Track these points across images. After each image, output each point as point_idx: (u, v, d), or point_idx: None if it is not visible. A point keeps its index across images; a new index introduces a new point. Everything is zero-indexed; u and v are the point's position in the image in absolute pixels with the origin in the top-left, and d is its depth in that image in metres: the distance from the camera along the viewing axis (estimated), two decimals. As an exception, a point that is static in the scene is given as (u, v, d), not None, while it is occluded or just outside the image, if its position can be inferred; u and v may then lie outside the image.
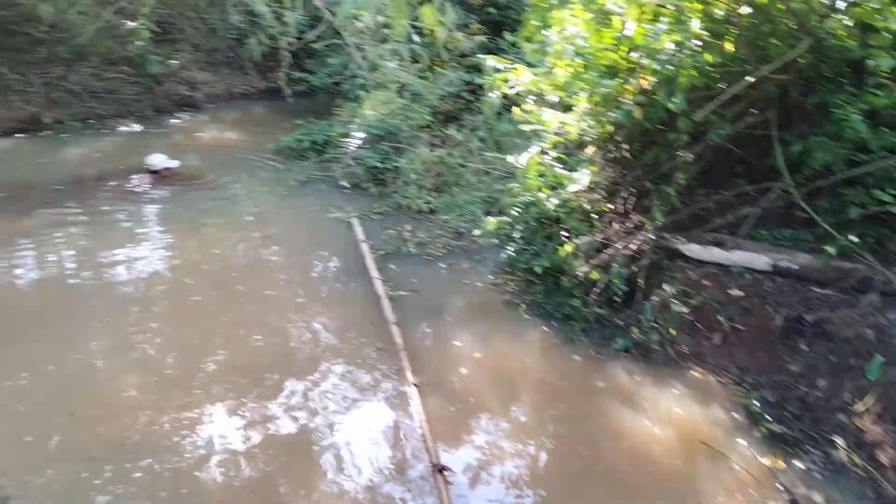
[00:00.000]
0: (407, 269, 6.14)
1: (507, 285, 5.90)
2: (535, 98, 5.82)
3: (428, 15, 4.89)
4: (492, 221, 5.60)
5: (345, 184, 8.18)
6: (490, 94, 6.15)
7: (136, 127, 10.11)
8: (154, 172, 7.64)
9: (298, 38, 7.91)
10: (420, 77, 7.76)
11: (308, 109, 10.61)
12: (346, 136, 8.73)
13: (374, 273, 5.82)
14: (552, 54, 5.10)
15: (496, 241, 6.25)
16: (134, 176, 7.85)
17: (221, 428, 3.90)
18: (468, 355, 4.85)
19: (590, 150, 5.35)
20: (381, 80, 8.30)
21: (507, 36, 8.48)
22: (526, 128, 5.48)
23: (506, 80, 5.63)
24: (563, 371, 4.75)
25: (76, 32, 9.44)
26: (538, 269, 5.55)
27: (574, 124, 5.23)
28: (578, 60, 5.02)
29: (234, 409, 4.10)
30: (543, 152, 5.31)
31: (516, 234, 5.98)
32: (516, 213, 5.50)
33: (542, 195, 5.49)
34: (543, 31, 5.47)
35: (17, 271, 5.68)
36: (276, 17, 7.35)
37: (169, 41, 11.17)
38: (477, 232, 6.20)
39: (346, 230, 6.91)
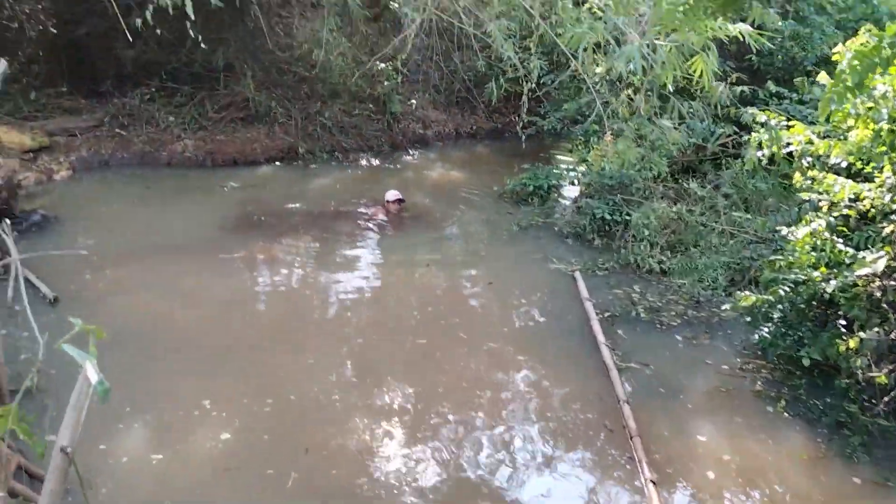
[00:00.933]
0: (637, 337, 5.58)
1: (760, 373, 5.07)
2: (811, 160, 5.00)
3: (700, 66, 4.38)
4: (748, 298, 4.84)
5: (567, 233, 7.85)
6: (754, 150, 5.43)
7: (374, 161, 10.79)
8: (388, 206, 7.97)
9: (538, 83, 7.80)
10: (666, 127, 7.18)
11: (533, 152, 10.55)
12: (573, 183, 8.42)
13: (601, 338, 5.35)
14: (854, 116, 4.28)
15: (746, 318, 5.43)
16: (369, 209, 8.26)
17: (443, 490, 3.71)
18: (714, 454, 4.16)
19: (888, 229, 4.39)
20: (618, 127, 7.86)
21: (771, 86, 7.65)
22: (807, 195, 4.68)
23: (778, 138, 4.88)
24: (837, 494, 3.86)
25: (335, 72, 10.36)
26: (805, 361, 4.68)
27: (876, 197, 4.33)
28: (886, 125, 4.15)
29: (454, 469, 3.90)
30: (829, 227, 4.46)
31: (775, 315, 5.14)
32: (781, 292, 4.69)
33: (816, 274, 4.62)
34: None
35: (258, 294, 6.16)
36: (521, 63, 7.29)
37: (411, 81, 11.85)
38: (725, 306, 5.44)
39: (568, 284, 6.55)
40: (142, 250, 6.62)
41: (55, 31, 10.19)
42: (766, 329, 5.26)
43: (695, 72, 4.63)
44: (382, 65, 10.28)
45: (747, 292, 5.14)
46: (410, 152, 11.55)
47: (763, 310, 5.09)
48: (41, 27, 10.25)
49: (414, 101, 11.95)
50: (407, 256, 7.12)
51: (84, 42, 9.81)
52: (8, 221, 6.48)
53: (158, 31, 7.25)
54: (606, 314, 5.88)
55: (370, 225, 7.94)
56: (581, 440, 4.22)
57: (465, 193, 9.44)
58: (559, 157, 11.63)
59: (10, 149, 8.33)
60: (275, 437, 4.01)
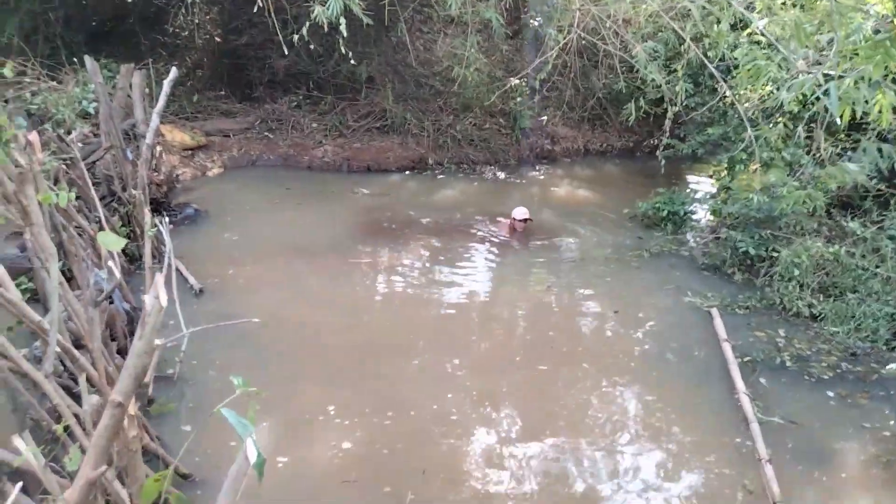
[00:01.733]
0: (781, 387, 5.09)
1: (928, 444, 4.44)
2: None
3: (885, 104, 3.91)
4: (923, 360, 4.26)
5: (704, 264, 7.36)
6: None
7: (500, 175, 10.76)
8: (514, 223, 7.87)
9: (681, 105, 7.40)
10: (827, 159, 6.56)
11: (668, 174, 10.03)
12: (716, 213, 7.89)
13: (740, 385, 4.92)
14: None
15: (915, 381, 4.79)
16: (495, 224, 8.21)
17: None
18: (871, 536, 3.68)
19: None
20: (767, 157, 7.28)
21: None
22: None
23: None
24: None
25: (470, 87, 10.47)
26: None
27: None
28: None
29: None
30: None
31: (953, 382, 4.49)
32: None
33: None
34: None
35: (382, 301, 6.27)
36: (666, 84, 6.95)
37: (543, 97, 11.72)
38: (891, 366, 4.83)
39: (703, 321, 6.11)
40: (278, 249, 6.98)
41: (219, 39, 11.10)
42: (940, 396, 4.60)
43: (874, 106, 4.14)
44: (516, 80, 10.25)
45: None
46: (537, 167, 11.41)
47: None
48: (207, 36, 11.21)
49: (545, 117, 11.80)
50: (529, 275, 6.98)
51: (243, 51, 10.59)
52: (163, 215, 7.08)
53: (311, 46, 7.63)
54: (746, 359, 5.42)
55: (494, 239, 7.89)
56: (716, 501, 3.87)
57: (592, 213, 9.15)
58: (695, 183, 11.02)
59: (173, 146, 9.13)
60: (393, 452, 4.02)
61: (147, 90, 8.28)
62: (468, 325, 5.82)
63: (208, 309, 5.58)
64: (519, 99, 11.02)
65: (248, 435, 1.53)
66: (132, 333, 4.98)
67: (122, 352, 4.62)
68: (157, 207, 7.31)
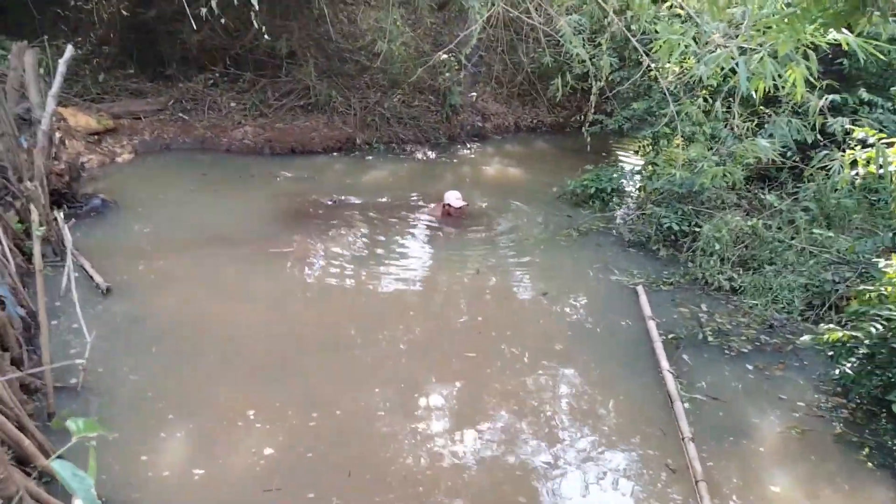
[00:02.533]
0: (703, 363, 5.20)
1: (840, 412, 4.64)
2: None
3: (794, 75, 3.94)
4: (834, 333, 4.41)
5: (630, 241, 7.45)
6: (848, 170, 4.93)
7: (431, 154, 10.58)
8: (449, 209, 7.70)
9: (606, 81, 7.39)
10: (742, 134, 6.69)
11: (596, 150, 10.07)
12: (643, 189, 7.98)
13: (665, 363, 5.00)
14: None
15: (827, 352, 4.96)
16: (428, 206, 8.05)
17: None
18: (787, 506, 3.80)
19: None
20: (690, 131, 7.38)
21: (863, 93, 7.02)
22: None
23: (886, 159, 4.39)
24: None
25: (397, 63, 10.18)
26: (895, 407, 4.23)
27: None
28: None
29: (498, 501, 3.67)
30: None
31: (861, 350, 4.67)
32: (872, 330, 4.24)
33: (915, 312, 4.16)
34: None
35: (306, 293, 6.04)
36: (591, 60, 6.90)
37: (472, 73, 11.54)
38: (804, 337, 4.99)
39: (629, 298, 6.19)
40: (194, 241, 6.61)
41: (125, 12, 10.34)
42: (850, 365, 4.79)
43: (787, 81, 4.19)
44: (444, 56, 10.03)
45: (831, 325, 4.70)
46: (468, 146, 11.28)
47: (848, 345, 4.63)
48: (113, 9, 10.43)
49: (474, 93, 11.65)
50: (459, 259, 6.87)
51: (152, 25, 9.91)
52: (65, 208, 6.57)
53: (223, 20, 7.18)
54: (670, 336, 5.51)
55: (424, 223, 7.72)
56: (640, 480, 3.91)
57: (523, 192, 9.13)
58: (624, 158, 11.16)
59: (77, 131, 8.49)
60: (318, 455, 3.85)
61: (43, 70, 7.62)
62: (396, 314, 5.67)
63: (116, 309, 5.21)
64: (447, 74, 10.81)
65: (87, 490, 1.31)
66: (29, 341, 4.60)
67: (16, 363, 4.25)
68: (59, 199, 6.77)
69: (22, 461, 3.45)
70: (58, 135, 7.34)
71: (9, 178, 6.25)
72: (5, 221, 5.63)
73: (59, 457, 1.34)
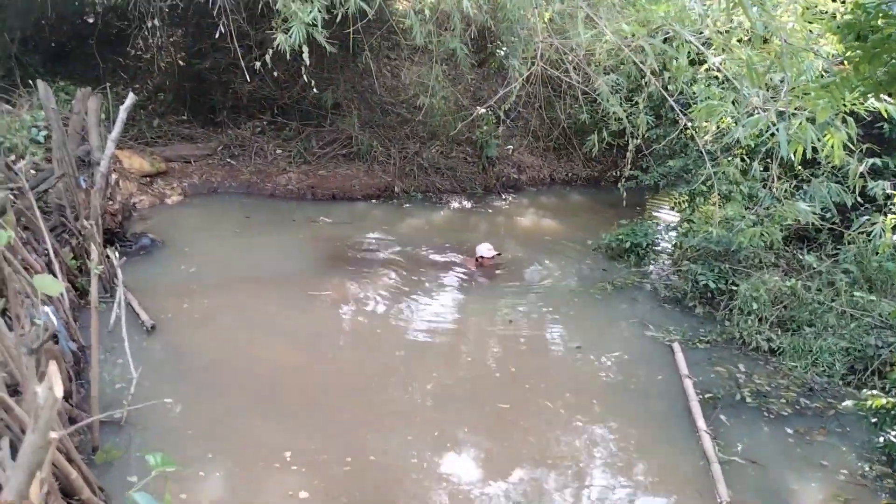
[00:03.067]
0: (741, 424, 5.11)
1: (884, 482, 4.49)
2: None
3: (835, 143, 4.00)
4: (878, 399, 4.32)
5: (665, 297, 7.42)
6: (889, 234, 4.91)
7: (466, 204, 10.75)
8: (483, 261, 7.81)
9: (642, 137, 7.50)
10: (781, 195, 6.70)
11: (631, 205, 10.11)
12: (677, 246, 7.99)
13: (701, 423, 4.93)
14: None
15: (871, 418, 4.84)
16: (460, 256, 8.16)
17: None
18: (830, 580, 3.67)
19: None
20: (727, 189, 7.42)
21: (904, 156, 6.99)
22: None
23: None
24: None
25: (437, 116, 10.49)
26: (943, 481, 4.09)
27: None
28: None
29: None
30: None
31: (906, 419, 4.56)
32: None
33: (963, 382, 4.06)
34: None
35: (342, 336, 6.14)
36: (627, 118, 7.05)
37: (509, 126, 11.80)
38: (846, 403, 4.89)
39: (665, 355, 6.13)
40: (237, 281, 6.81)
41: (182, 63, 10.93)
42: (895, 433, 4.66)
43: (825, 145, 4.25)
44: (483, 110, 10.30)
45: (874, 391, 4.60)
46: (503, 196, 11.43)
47: (893, 412, 4.52)
48: (170, 59, 11.03)
49: (511, 146, 11.88)
50: (493, 309, 6.91)
51: (206, 75, 10.43)
52: (117, 246, 6.86)
53: (275, 73, 7.55)
54: (707, 395, 5.43)
55: (459, 271, 7.82)
56: (676, 543, 3.83)
57: (557, 244, 9.19)
58: (658, 213, 11.18)
59: (131, 173, 8.90)
60: (352, 501, 3.88)
61: (104, 115, 8.07)
62: (430, 361, 5.73)
63: (159, 346, 5.38)
64: (485, 128, 11.07)
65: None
66: (77, 375, 4.77)
67: (67, 396, 4.40)
68: (111, 238, 7.07)
69: (67, 493, 3.55)
70: (114, 176, 7.71)
71: (66, 217, 6.58)
72: (62, 257, 5.91)
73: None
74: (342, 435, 4.51)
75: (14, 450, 3.05)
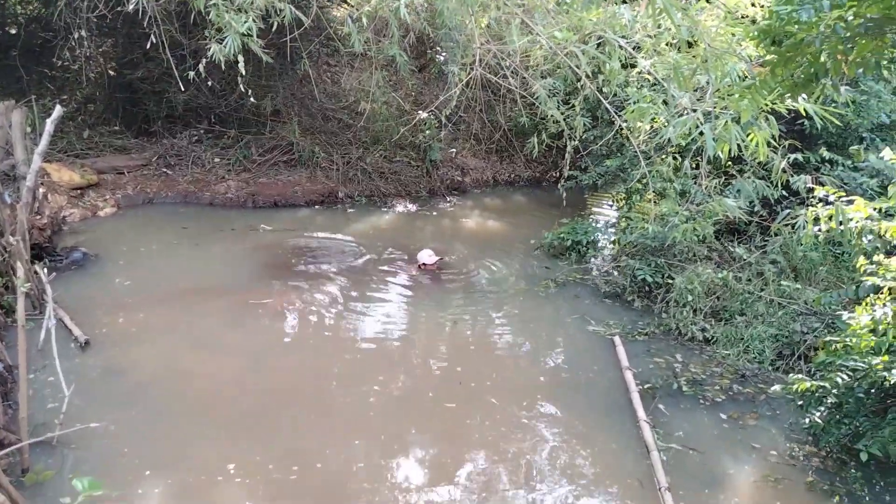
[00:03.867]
0: (678, 413, 5.30)
1: (811, 461, 4.74)
2: (871, 238, 4.73)
3: (757, 138, 4.22)
4: (803, 383, 4.56)
5: (605, 292, 7.62)
6: (811, 226, 5.18)
7: (412, 207, 10.78)
8: (425, 267, 7.86)
9: (580, 139, 7.69)
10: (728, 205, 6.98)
11: (571, 204, 10.32)
12: (616, 243, 8.23)
13: (641, 413, 5.09)
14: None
15: (798, 401, 5.10)
16: (402, 263, 8.16)
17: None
18: (763, 556, 3.85)
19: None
20: (661, 186, 7.69)
21: (823, 151, 7.40)
22: (871, 280, 4.40)
23: (844, 217, 4.63)
24: None
25: (379, 121, 10.48)
26: (863, 455, 4.34)
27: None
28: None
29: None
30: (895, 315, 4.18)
31: (829, 399, 4.81)
32: (839, 380, 4.39)
33: (877, 361, 4.32)
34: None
35: (285, 344, 6.07)
36: (565, 120, 7.22)
37: (451, 130, 11.89)
38: (775, 387, 5.14)
39: (606, 349, 6.30)
40: (174, 293, 6.63)
41: (112, 73, 10.58)
42: (819, 413, 4.92)
43: (750, 143, 4.47)
44: (424, 114, 10.36)
45: (800, 375, 4.85)
46: (448, 199, 11.52)
47: (817, 395, 4.77)
48: (100, 69, 10.67)
49: (454, 149, 11.98)
50: (438, 311, 6.96)
51: (138, 85, 10.13)
52: (46, 261, 6.60)
53: (210, 82, 7.40)
54: (647, 385, 5.62)
55: (403, 276, 7.83)
56: (618, 531, 3.95)
57: (501, 244, 9.32)
58: (598, 211, 11.48)
59: (60, 185, 8.56)
60: (297, 510, 3.85)
61: (30, 128, 7.74)
62: (375, 366, 5.72)
63: (93, 363, 5.19)
64: (428, 132, 11.13)
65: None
66: (5, 396, 4.56)
67: (-8, 418, 4.21)
68: (40, 253, 6.79)
69: (-5, 519, 3.40)
70: (41, 190, 7.41)
71: (-10, 233, 6.28)
72: (-14, 275, 5.64)
73: None
74: (286, 444, 4.46)
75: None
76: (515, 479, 4.36)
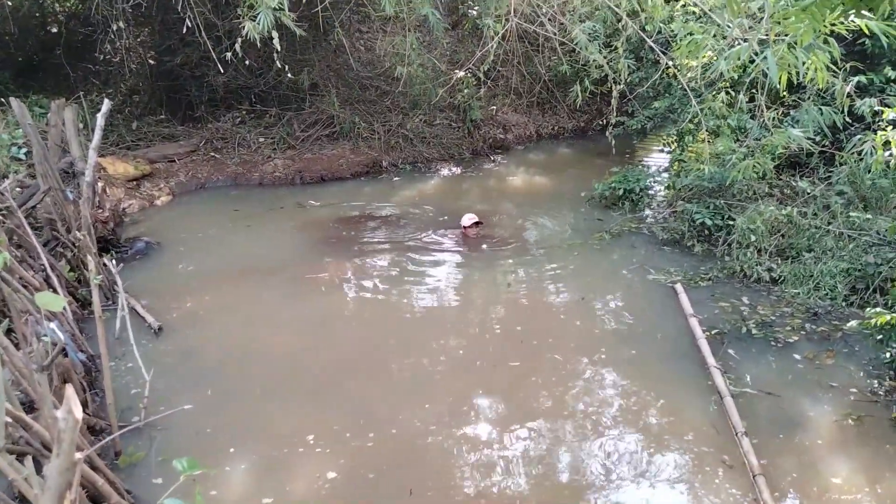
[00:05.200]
0: (750, 357, 5.17)
1: (895, 395, 4.56)
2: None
3: (819, 65, 3.96)
4: (882, 316, 4.36)
5: (663, 239, 7.43)
6: (881, 151, 4.88)
7: (456, 170, 10.70)
8: (466, 231, 7.81)
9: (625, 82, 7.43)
10: (770, 123, 6.63)
11: (620, 151, 10.07)
12: (671, 186, 7.98)
13: (711, 360, 4.98)
14: None
15: (876, 336, 4.89)
16: (450, 227, 8.11)
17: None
18: (850, 494, 3.75)
19: None
20: (714, 125, 7.37)
21: (888, 71, 6.93)
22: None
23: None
24: None
25: (416, 84, 10.36)
26: (952, 388, 4.15)
27: None
28: None
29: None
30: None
31: (912, 332, 4.60)
32: (921, 309, 4.18)
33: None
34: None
35: (344, 314, 6.17)
36: (608, 64, 6.97)
37: (490, 87, 11.67)
38: (851, 323, 4.94)
39: (669, 297, 6.18)
40: (234, 274, 6.80)
41: (152, 62, 10.75)
42: (900, 348, 4.72)
43: (811, 67, 4.20)
44: (461, 73, 10.18)
45: (878, 309, 4.64)
46: (492, 158, 11.37)
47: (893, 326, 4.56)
48: (140, 59, 10.85)
49: (494, 106, 11.77)
50: (492, 272, 6.93)
51: (178, 71, 10.27)
52: (112, 253, 6.85)
53: (246, 62, 7.43)
54: (714, 331, 5.49)
55: (452, 240, 7.79)
56: (698, 478, 3.91)
57: (551, 199, 9.18)
58: (648, 158, 11.14)
59: (116, 178, 8.82)
60: (380, 475, 3.95)
61: (82, 124, 7.96)
62: (435, 331, 5.77)
63: (167, 347, 5.40)
64: (466, 91, 10.95)
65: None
66: (91, 385, 4.80)
67: (83, 405, 4.44)
68: (106, 245, 7.06)
69: (95, 500, 3.61)
70: (100, 184, 7.65)
71: (58, 230, 6.55)
72: (59, 271, 5.89)
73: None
74: (361, 412, 4.56)
75: (38, 463, 3.09)
76: (587, 432, 4.35)
